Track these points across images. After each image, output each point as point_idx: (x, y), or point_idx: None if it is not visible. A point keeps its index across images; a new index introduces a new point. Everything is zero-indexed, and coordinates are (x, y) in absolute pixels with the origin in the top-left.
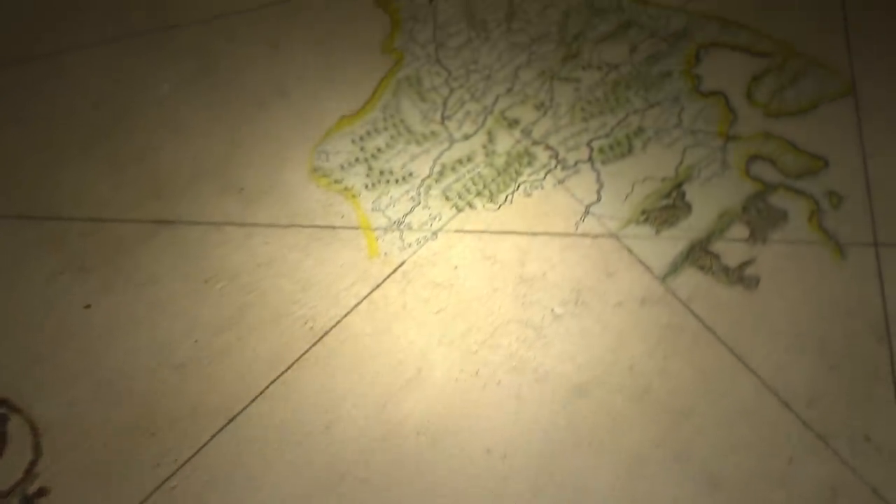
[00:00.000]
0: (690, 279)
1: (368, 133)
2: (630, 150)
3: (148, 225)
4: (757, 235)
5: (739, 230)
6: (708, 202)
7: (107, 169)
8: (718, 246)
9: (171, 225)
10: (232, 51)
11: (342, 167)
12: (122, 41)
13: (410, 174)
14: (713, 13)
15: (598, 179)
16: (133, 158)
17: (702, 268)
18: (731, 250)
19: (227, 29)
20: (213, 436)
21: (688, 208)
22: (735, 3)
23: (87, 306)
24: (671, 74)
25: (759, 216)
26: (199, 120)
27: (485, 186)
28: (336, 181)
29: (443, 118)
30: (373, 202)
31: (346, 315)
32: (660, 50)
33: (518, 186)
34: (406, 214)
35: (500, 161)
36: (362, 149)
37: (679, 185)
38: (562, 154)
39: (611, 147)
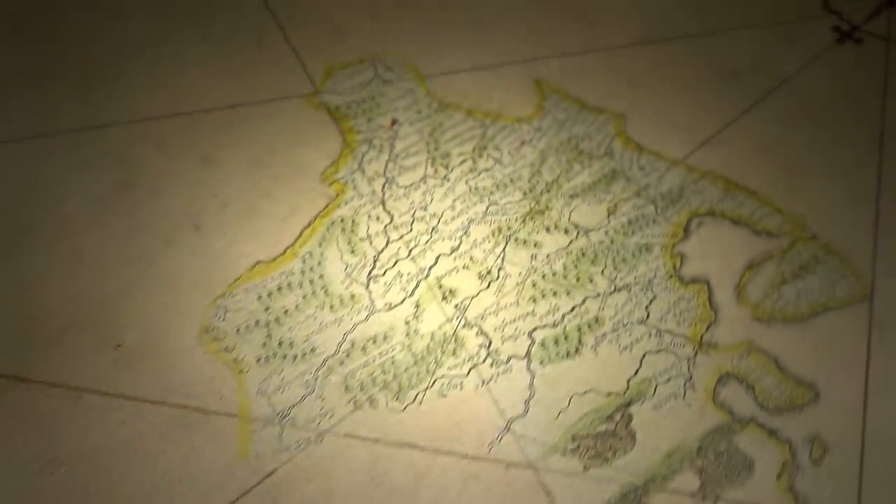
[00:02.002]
0: None
1: (280, 288)
2: (578, 350)
3: None
4: (708, 491)
5: (688, 479)
6: (658, 433)
7: None
8: (657, 500)
9: (23, 385)
10: (157, 164)
11: (238, 331)
12: (47, 138)
13: (313, 350)
14: (718, 171)
15: (531, 385)
16: (19, 285)
17: None
18: None
19: (159, 135)
20: None
21: (631, 439)
22: (748, 159)
23: None
24: (650, 249)
25: (717, 463)
26: (100, 250)
27: (395, 377)
28: (226, 349)
29: (369, 279)
30: (260, 382)
31: None
32: (644, 214)
33: (433, 382)
34: (293, 405)
35: (420, 345)
36: (267, 309)
37: (627, 406)
38: (495, 344)
39: (556, 342)
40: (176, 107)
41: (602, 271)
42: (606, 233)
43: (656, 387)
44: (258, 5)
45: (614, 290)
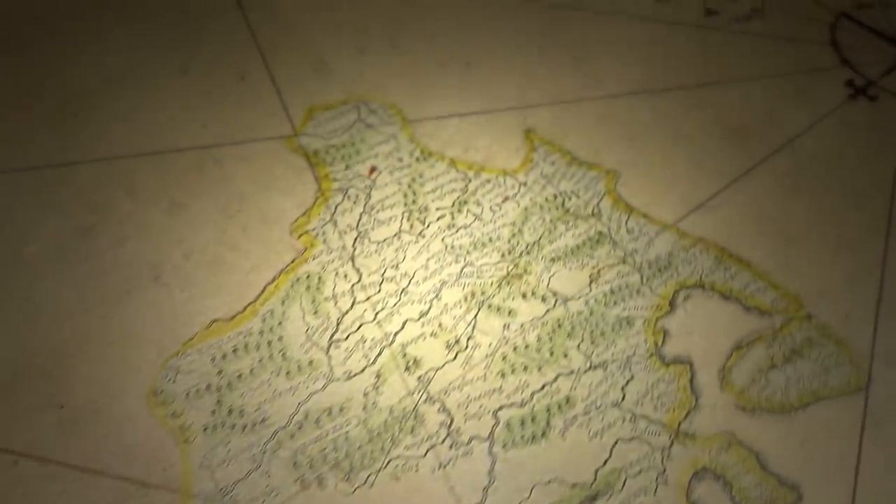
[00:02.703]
0: None
1: (236, 350)
2: (545, 433)
3: None
4: None
5: None
6: None
7: None
8: None
9: None
10: (125, 208)
11: (188, 395)
12: (13, 174)
13: (264, 420)
14: (711, 238)
15: (491, 471)
16: None
17: None
18: None
19: (130, 175)
20: None
21: None
22: (745, 226)
23: None
24: (632, 323)
25: None
26: (55, 298)
27: (347, 456)
28: (174, 415)
29: (330, 343)
30: (205, 454)
31: None
32: (629, 283)
33: (387, 463)
34: (238, 481)
35: (377, 420)
36: (220, 372)
37: (593, 500)
38: (457, 422)
39: (522, 423)
40: (150, 144)
41: (578, 346)
42: (586, 303)
43: (626, 480)
44: (245, 37)
45: (590, 368)
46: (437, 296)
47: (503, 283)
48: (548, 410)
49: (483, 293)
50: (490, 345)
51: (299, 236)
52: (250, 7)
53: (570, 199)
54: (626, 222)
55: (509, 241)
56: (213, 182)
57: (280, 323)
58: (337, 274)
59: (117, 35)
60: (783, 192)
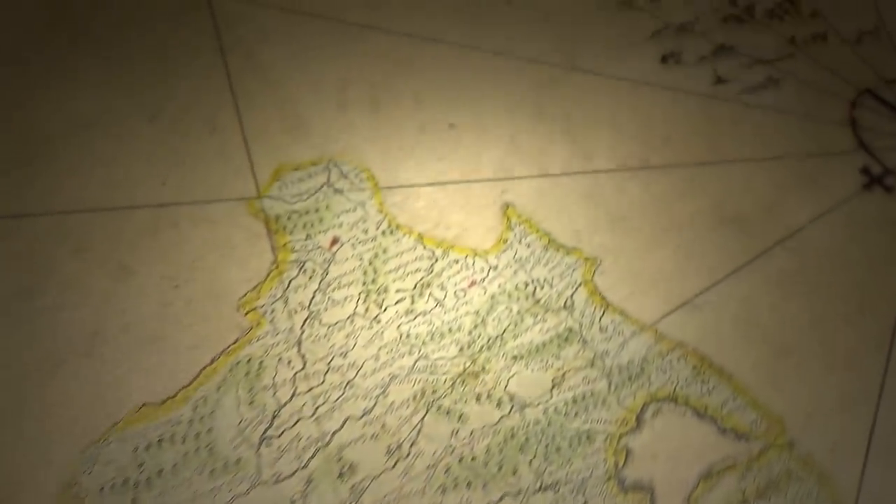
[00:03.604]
0: None
1: (161, 441)
2: None
3: None
4: None
5: None
6: None
7: None
8: None
9: None
10: (69, 270)
11: (102, 490)
12: None
13: None
14: (691, 342)
15: None
16: None
17: None
18: None
19: (80, 233)
20: None
21: None
22: (731, 331)
23: None
24: (592, 439)
25: None
26: None
27: None
28: None
29: (262, 440)
30: None
31: None
32: (594, 391)
33: None
34: None
35: None
36: (141, 465)
37: None
38: None
39: None
40: (106, 199)
41: (530, 461)
42: (545, 411)
43: None
44: (222, 84)
45: (540, 489)
46: (384, 392)
47: (457, 381)
48: None
49: (434, 392)
50: (434, 453)
51: (246, 313)
52: (232, 50)
53: (542, 287)
54: (601, 319)
55: (470, 332)
56: (167, 246)
57: (212, 412)
58: (280, 360)
59: (90, 74)
60: (778, 293)
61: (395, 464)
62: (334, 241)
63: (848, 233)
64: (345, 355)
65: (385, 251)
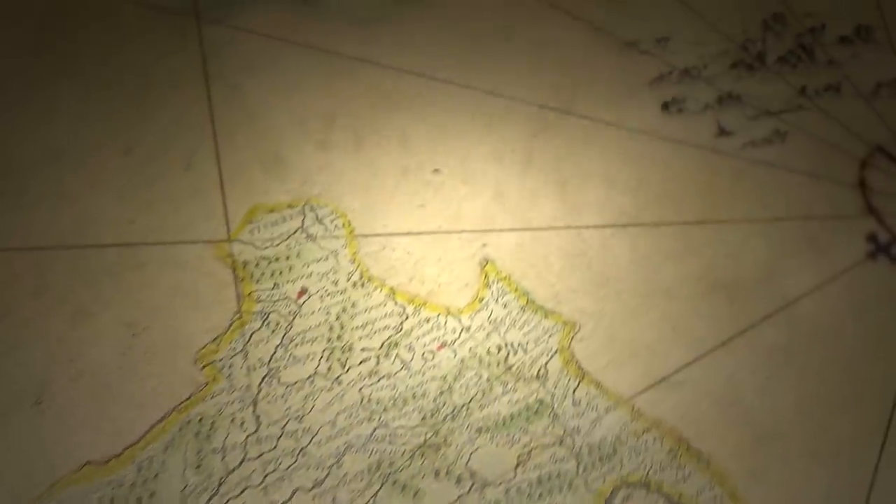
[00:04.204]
0: None
1: (101, 502)
2: None
3: None
4: None
5: None
6: None
7: None
8: None
9: None
10: (27, 311)
11: None
12: None
13: None
14: (670, 423)
15: None
16: None
17: None
18: None
19: (41, 271)
20: None
21: None
22: (711, 412)
23: None
24: None
25: None
26: None
27: None
28: None
29: None
30: None
31: None
32: (561, 472)
33: None
34: None
35: None
36: None
37: None
38: None
39: None
40: (73, 236)
41: None
42: (507, 491)
43: None
44: (202, 117)
45: None
46: (338, 462)
47: (417, 454)
48: None
49: (391, 465)
50: None
51: (203, 367)
52: (216, 81)
53: (515, 353)
54: (574, 391)
55: (435, 399)
56: (129, 290)
57: (157, 475)
58: (233, 420)
59: (68, 102)
60: (766, 372)
61: None
62: (302, 291)
63: (846, 307)
64: (300, 419)
65: (354, 305)
